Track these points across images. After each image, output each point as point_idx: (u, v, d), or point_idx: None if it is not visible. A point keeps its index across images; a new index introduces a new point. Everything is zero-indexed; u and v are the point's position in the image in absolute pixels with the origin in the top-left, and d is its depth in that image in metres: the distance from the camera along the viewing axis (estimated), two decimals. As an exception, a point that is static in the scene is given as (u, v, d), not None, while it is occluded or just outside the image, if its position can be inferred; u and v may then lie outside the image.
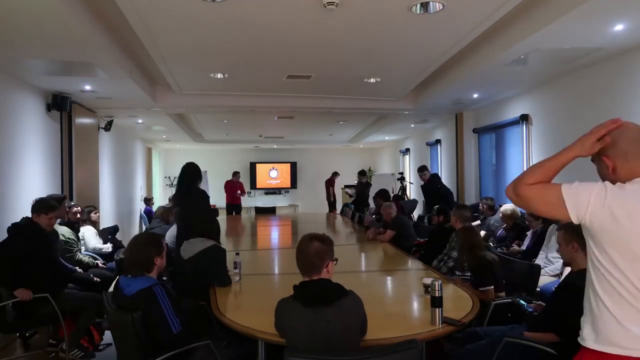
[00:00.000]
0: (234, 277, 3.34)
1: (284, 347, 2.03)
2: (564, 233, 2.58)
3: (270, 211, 11.16)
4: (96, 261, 4.91)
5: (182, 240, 3.57)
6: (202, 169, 4.37)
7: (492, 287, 3.15)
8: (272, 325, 2.22)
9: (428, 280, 2.69)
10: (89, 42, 3.89)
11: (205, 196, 4.34)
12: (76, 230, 5.03)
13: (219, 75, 5.76)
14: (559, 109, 5.66)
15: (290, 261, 4.92)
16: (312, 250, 2.10)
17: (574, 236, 2.47)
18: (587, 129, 1.52)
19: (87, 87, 5.69)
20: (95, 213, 5.64)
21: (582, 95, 5.19)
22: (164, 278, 3.63)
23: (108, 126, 7.78)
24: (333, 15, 3.64)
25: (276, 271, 4.61)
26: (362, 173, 10.73)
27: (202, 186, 4.52)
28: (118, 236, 6.50)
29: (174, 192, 4.61)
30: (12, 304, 3.40)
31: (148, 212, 9.69)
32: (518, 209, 5.75)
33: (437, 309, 2.38)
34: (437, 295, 2.38)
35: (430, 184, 7.42)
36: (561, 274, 4.18)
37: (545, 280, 4.04)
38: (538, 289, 3.69)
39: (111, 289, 4.10)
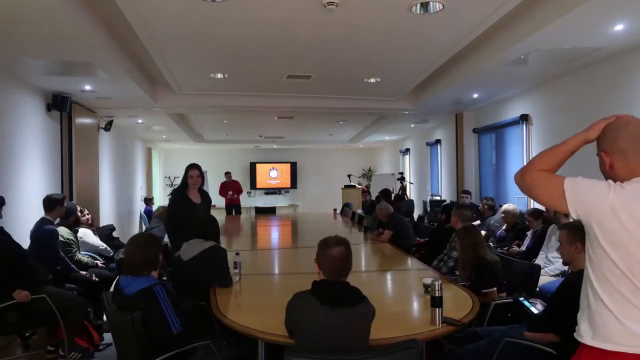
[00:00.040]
0: (234, 277, 3.34)
1: (284, 347, 2.03)
2: (567, 233, 2.56)
3: (270, 211, 11.16)
4: (95, 261, 4.90)
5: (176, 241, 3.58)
6: (202, 169, 4.38)
7: (495, 288, 3.15)
8: (272, 326, 2.22)
9: (428, 280, 2.69)
10: (89, 42, 3.89)
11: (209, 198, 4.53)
12: (75, 231, 5.03)
13: (219, 75, 5.76)
14: (559, 109, 5.66)
15: (290, 261, 4.94)
16: (343, 254, 2.11)
17: (577, 236, 2.44)
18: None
19: (87, 87, 5.70)
20: (83, 216, 5.58)
21: (582, 95, 5.19)
22: (164, 278, 3.63)
23: (108, 126, 7.78)
24: (333, 15, 3.64)
25: (276, 271, 4.61)
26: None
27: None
28: (118, 236, 6.48)
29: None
30: (10, 306, 3.39)
31: (148, 212, 9.68)
32: (518, 209, 5.76)
33: (437, 309, 2.38)
34: (437, 295, 2.38)
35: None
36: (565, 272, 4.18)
37: (545, 280, 4.03)
38: (538, 289, 3.69)
39: (111, 289, 4.10)
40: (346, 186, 13.48)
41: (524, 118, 6.41)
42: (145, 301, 2.32)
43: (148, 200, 10.61)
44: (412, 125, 10.32)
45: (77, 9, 3.40)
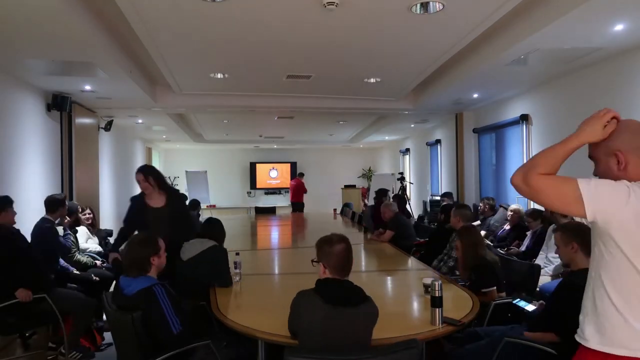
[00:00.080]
0: (234, 277, 3.34)
1: (284, 347, 2.03)
2: (561, 234, 2.57)
3: (270, 211, 11.17)
4: (95, 261, 4.90)
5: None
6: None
7: (495, 288, 3.15)
8: (272, 326, 2.22)
9: (428, 280, 2.69)
10: (89, 42, 3.90)
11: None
12: (74, 231, 5.03)
13: (219, 75, 5.76)
14: (559, 109, 5.66)
15: (290, 261, 4.94)
16: (347, 251, 2.13)
17: (572, 237, 2.47)
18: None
19: (87, 87, 5.70)
20: (84, 214, 5.58)
21: (582, 95, 5.19)
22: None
23: (108, 126, 7.78)
24: (333, 15, 3.64)
25: (276, 271, 4.61)
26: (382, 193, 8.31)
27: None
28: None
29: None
30: (10, 305, 3.40)
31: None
32: (523, 209, 5.76)
33: (437, 309, 2.38)
34: (437, 295, 2.38)
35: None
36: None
37: (545, 280, 4.04)
38: (538, 289, 3.69)
39: (112, 289, 4.10)
40: (346, 186, 13.49)
41: (524, 118, 6.41)
42: (145, 301, 2.32)
43: None
44: (412, 125, 10.32)
45: (77, 9, 3.40)
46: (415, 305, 2.94)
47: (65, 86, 5.62)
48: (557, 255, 4.03)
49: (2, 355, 3.85)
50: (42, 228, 4.29)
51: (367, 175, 15.73)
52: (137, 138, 11.13)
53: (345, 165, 15.97)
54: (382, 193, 7.52)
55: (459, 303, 2.76)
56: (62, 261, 4.42)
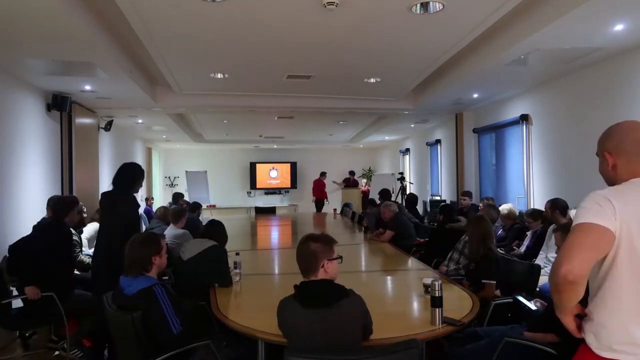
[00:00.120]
0: (234, 277, 3.34)
1: (284, 347, 2.03)
2: (561, 234, 2.58)
3: (270, 211, 11.17)
4: None
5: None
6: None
7: (495, 282, 3.16)
8: (272, 326, 2.22)
9: (428, 280, 2.69)
10: (89, 42, 3.89)
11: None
12: (80, 232, 5.04)
13: (219, 75, 5.76)
14: (559, 109, 5.66)
15: (290, 261, 4.93)
16: (306, 250, 2.12)
17: None
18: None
19: (87, 87, 5.70)
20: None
21: (582, 95, 5.19)
22: (165, 277, 3.63)
23: (108, 126, 7.78)
24: (333, 15, 3.64)
25: (276, 271, 4.61)
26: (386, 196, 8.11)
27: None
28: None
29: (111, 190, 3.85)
30: (23, 302, 3.45)
31: (148, 212, 9.68)
32: (517, 209, 5.76)
33: (437, 309, 2.38)
34: (437, 295, 2.38)
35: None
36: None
37: (545, 280, 4.03)
38: (538, 289, 3.69)
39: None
40: (346, 186, 13.50)
41: (524, 118, 6.41)
42: (145, 301, 2.32)
43: (146, 200, 10.60)
44: (412, 125, 10.32)
45: (77, 9, 3.40)
46: (415, 305, 2.95)
47: (65, 86, 5.62)
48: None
49: (3, 354, 3.86)
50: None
51: (367, 175, 15.73)
52: (137, 138, 11.13)
53: (346, 165, 15.97)
54: (385, 194, 7.58)
55: (459, 303, 2.76)
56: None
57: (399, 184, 10.59)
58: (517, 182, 6.68)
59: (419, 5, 3.50)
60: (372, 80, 6.10)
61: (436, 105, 7.61)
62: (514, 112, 6.75)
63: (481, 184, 8.07)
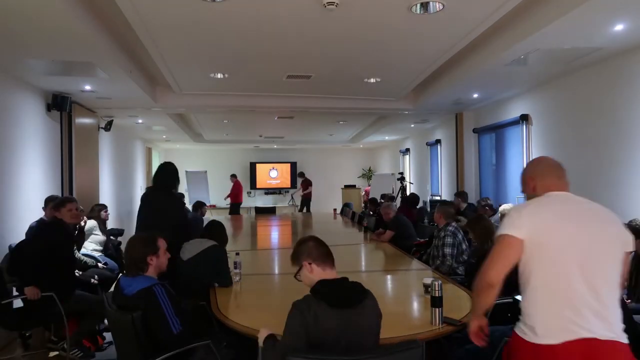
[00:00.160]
0: (234, 277, 3.34)
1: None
2: None
3: (270, 211, 11.17)
4: (98, 263, 4.91)
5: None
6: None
7: None
8: (272, 326, 2.21)
9: (428, 280, 2.70)
10: (89, 42, 3.89)
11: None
12: (77, 232, 5.04)
13: (219, 75, 5.76)
14: (559, 109, 5.66)
15: (290, 261, 4.92)
16: (320, 241, 2.17)
17: None
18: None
19: (87, 87, 5.70)
20: (105, 211, 5.67)
21: (582, 95, 5.19)
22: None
23: (108, 126, 7.78)
24: (333, 15, 3.64)
25: (276, 271, 4.61)
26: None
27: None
28: (120, 240, 6.38)
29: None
30: (22, 301, 3.46)
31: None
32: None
33: (437, 309, 2.38)
34: (437, 295, 2.39)
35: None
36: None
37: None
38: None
39: (112, 288, 4.10)
40: (346, 186, 13.51)
41: (524, 118, 6.41)
42: (145, 301, 2.32)
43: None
44: (412, 125, 10.32)
45: (77, 9, 3.40)
46: (415, 305, 2.95)
47: (65, 86, 5.62)
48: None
49: (3, 355, 3.86)
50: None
51: (367, 175, 15.73)
52: (137, 138, 11.13)
53: (345, 165, 15.97)
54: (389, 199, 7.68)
55: (459, 303, 2.76)
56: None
57: (399, 184, 10.60)
58: (517, 182, 6.64)
59: (419, 5, 3.50)
60: (372, 80, 6.10)
61: (436, 105, 7.61)
62: (514, 112, 6.75)
63: (481, 184, 8.07)
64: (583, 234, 1.75)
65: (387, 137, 13.07)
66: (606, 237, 1.77)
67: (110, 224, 7.37)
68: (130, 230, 10.01)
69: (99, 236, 5.28)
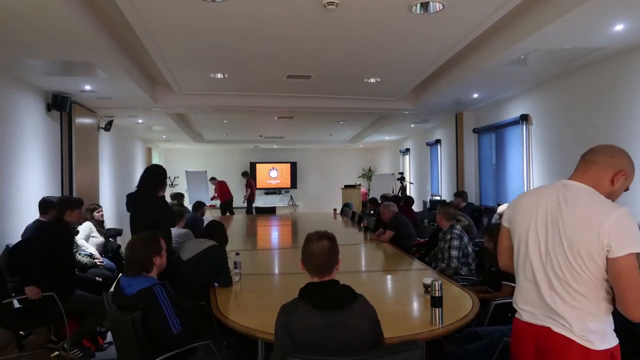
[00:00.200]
0: (234, 277, 3.34)
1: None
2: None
3: (270, 211, 11.17)
4: (95, 260, 4.91)
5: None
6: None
7: (515, 285, 3.18)
8: (272, 326, 2.21)
9: (428, 280, 2.69)
10: (89, 42, 3.89)
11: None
12: (75, 232, 5.03)
13: (219, 75, 5.76)
14: (559, 109, 5.66)
15: (290, 261, 4.94)
16: (324, 249, 1.98)
17: None
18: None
19: (87, 87, 5.70)
20: (98, 212, 5.66)
21: (582, 95, 5.19)
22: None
23: (108, 126, 7.78)
24: (333, 15, 3.64)
25: (276, 271, 4.61)
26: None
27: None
28: (120, 244, 6.32)
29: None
30: (21, 301, 3.45)
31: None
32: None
33: (437, 309, 2.38)
34: (437, 295, 2.38)
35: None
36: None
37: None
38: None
39: (112, 289, 4.10)
40: (346, 186, 13.50)
41: (524, 118, 6.41)
42: (145, 301, 2.32)
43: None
44: (412, 125, 10.32)
45: (77, 9, 3.40)
46: (415, 305, 2.95)
47: (65, 86, 5.62)
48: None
49: (2, 355, 3.85)
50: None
51: (367, 175, 15.73)
52: (137, 138, 11.13)
53: (345, 165, 15.98)
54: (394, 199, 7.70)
55: (459, 303, 2.76)
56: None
57: (399, 184, 10.60)
58: (517, 182, 6.68)
59: (419, 5, 3.50)
60: (372, 80, 6.10)
61: (436, 105, 7.61)
62: (514, 112, 6.75)
63: (481, 184, 8.07)
64: (541, 225, 1.75)
65: (387, 137, 13.07)
66: (570, 233, 1.65)
67: (109, 224, 7.37)
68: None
69: (97, 238, 5.28)
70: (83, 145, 6.69)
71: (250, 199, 12.53)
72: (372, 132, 11.34)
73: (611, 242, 1.56)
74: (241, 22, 3.87)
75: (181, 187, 13.74)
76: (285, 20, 3.86)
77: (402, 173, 11.49)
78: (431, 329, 2.34)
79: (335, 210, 10.63)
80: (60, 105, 5.80)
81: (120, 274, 2.64)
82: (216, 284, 3.22)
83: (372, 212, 8.29)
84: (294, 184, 15.80)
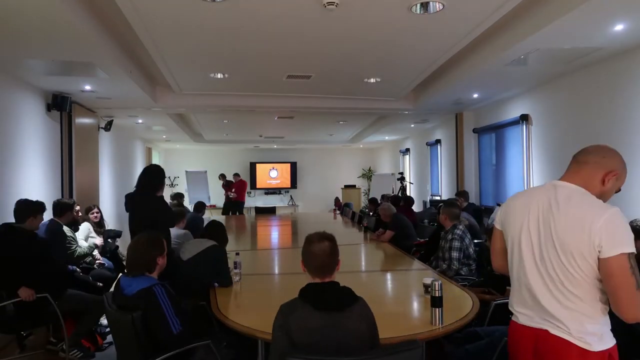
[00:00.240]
0: (234, 277, 3.34)
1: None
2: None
3: (270, 211, 11.18)
4: (94, 252, 4.94)
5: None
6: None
7: None
8: (272, 326, 2.22)
9: (428, 280, 2.69)
10: (89, 42, 3.89)
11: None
12: (75, 229, 5.05)
13: (219, 75, 5.76)
14: (559, 109, 5.66)
15: (290, 261, 4.94)
16: (325, 250, 1.98)
17: None
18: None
19: (87, 87, 5.69)
20: (92, 213, 5.64)
21: (582, 95, 5.19)
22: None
23: (108, 126, 7.78)
24: (333, 15, 3.64)
25: (276, 271, 4.61)
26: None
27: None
28: (118, 245, 6.32)
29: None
30: (14, 304, 3.42)
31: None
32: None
33: (437, 309, 2.38)
34: (437, 295, 2.38)
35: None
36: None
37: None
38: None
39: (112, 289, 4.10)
40: (346, 186, 13.51)
41: (524, 118, 6.41)
42: (145, 301, 2.32)
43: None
44: (412, 125, 10.32)
45: (77, 9, 3.40)
46: (415, 305, 2.95)
47: (65, 86, 5.62)
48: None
49: (2, 355, 3.85)
50: (55, 232, 4.45)
51: (367, 175, 15.73)
52: (137, 138, 11.13)
53: (345, 165, 15.98)
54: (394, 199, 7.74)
55: (459, 303, 2.76)
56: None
57: (399, 184, 10.60)
58: (517, 182, 6.68)
59: (419, 5, 3.50)
60: (372, 80, 6.10)
61: (436, 105, 7.61)
62: (514, 112, 6.75)
63: (481, 184, 8.07)
64: (534, 227, 1.75)
65: (387, 137, 13.07)
66: (561, 233, 1.66)
67: (109, 225, 7.37)
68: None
69: (95, 239, 5.29)
70: (83, 145, 6.69)
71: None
72: (372, 132, 11.34)
73: (602, 242, 1.55)
74: (241, 22, 3.87)
75: (181, 187, 13.74)
76: (285, 20, 3.86)
77: (402, 173, 11.49)
78: (431, 329, 2.34)
79: (335, 210, 10.64)
80: (60, 105, 5.80)
81: (120, 274, 2.64)
82: (216, 284, 3.22)
83: (372, 212, 8.29)
84: (294, 184, 15.80)
